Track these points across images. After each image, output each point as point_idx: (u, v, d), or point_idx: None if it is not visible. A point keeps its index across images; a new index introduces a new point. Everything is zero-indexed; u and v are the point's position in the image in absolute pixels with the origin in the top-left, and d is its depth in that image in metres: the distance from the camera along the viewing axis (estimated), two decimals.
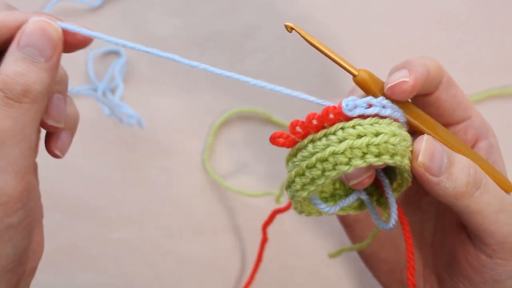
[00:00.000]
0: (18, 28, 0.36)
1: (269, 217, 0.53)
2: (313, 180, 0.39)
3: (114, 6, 0.68)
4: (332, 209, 0.42)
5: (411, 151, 0.39)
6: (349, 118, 0.39)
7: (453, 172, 0.39)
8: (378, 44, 0.66)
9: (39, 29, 0.36)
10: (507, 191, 0.44)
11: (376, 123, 0.38)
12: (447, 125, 0.46)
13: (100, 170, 0.66)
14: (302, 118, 0.40)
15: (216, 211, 0.65)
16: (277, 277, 0.64)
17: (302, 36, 0.40)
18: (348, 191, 0.44)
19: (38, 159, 0.65)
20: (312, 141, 0.39)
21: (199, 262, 0.64)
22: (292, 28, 0.40)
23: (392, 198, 0.41)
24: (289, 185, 0.41)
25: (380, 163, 0.38)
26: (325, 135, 0.39)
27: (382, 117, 0.39)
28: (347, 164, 0.38)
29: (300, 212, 0.43)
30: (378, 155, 0.38)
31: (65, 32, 0.37)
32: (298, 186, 0.40)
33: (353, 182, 0.41)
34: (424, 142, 0.39)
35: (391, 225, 0.41)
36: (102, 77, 0.67)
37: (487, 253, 0.42)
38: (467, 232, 0.44)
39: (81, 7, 0.68)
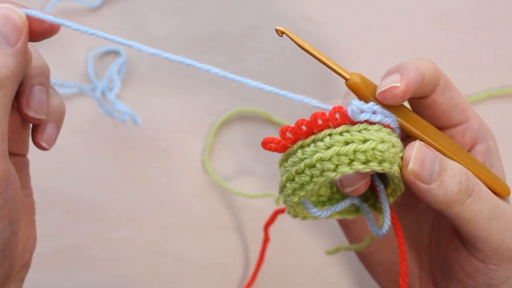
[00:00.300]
0: None
1: (270, 217, 0.54)
2: (302, 185, 0.39)
3: (114, 6, 0.68)
4: (323, 213, 0.42)
5: (401, 158, 0.39)
6: (338, 124, 0.39)
7: (444, 180, 0.39)
8: (378, 44, 0.66)
9: (3, 15, 0.36)
10: (504, 196, 0.43)
11: (365, 129, 0.38)
12: (444, 127, 0.45)
13: (100, 170, 0.66)
14: (303, 118, 0.40)
15: (216, 211, 0.65)
16: (277, 277, 0.64)
17: (293, 40, 0.40)
18: (345, 195, 0.44)
19: (38, 160, 0.65)
20: (301, 147, 0.40)
21: (199, 262, 0.64)
22: (282, 32, 0.40)
23: (386, 204, 0.41)
24: (281, 189, 0.41)
25: (367, 170, 0.38)
26: (314, 141, 0.39)
27: (371, 123, 0.39)
28: (334, 170, 0.38)
29: (295, 216, 0.43)
30: (366, 162, 0.38)
31: (32, 20, 0.37)
32: (289, 191, 0.40)
33: (348, 190, 0.41)
34: (415, 149, 0.39)
35: (384, 231, 0.41)
36: (102, 77, 0.67)
37: (480, 258, 0.42)
38: (461, 237, 0.44)
39: (81, 7, 0.68)
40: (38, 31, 0.38)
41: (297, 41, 0.40)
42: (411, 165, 0.38)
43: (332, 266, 0.64)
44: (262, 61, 0.67)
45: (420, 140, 0.41)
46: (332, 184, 0.44)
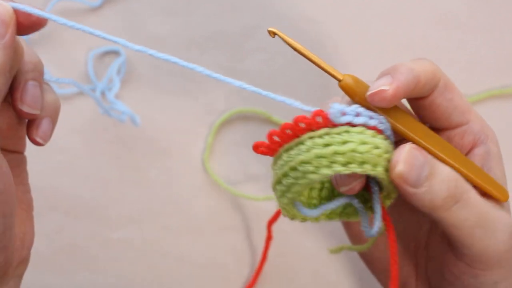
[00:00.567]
0: None
1: (274, 214, 0.54)
2: (289, 187, 0.40)
3: (114, 6, 0.68)
4: (314, 212, 0.43)
5: (388, 159, 0.39)
6: (320, 127, 0.39)
7: (431, 185, 0.38)
8: (378, 44, 0.66)
9: None
10: (501, 200, 0.43)
11: (346, 131, 0.38)
12: (442, 129, 0.45)
13: (100, 170, 0.66)
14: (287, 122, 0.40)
15: (217, 211, 0.65)
16: (277, 277, 0.64)
17: (285, 41, 0.40)
18: (341, 195, 0.44)
19: (38, 160, 0.65)
20: (286, 150, 0.40)
21: (199, 262, 0.64)
22: (274, 33, 0.40)
23: (378, 205, 0.41)
24: (273, 192, 0.42)
25: (347, 172, 0.38)
26: (297, 144, 0.39)
27: (354, 125, 0.38)
28: (314, 172, 0.38)
29: (292, 218, 0.44)
30: (345, 164, 0.38)
31: (19, 13, 0.38)
32: (279, 193, 0.41)
33: (343, 189, 0.41)
34: (404, 153, 0.38)
35: (373, 232, 0.41)
36: (102, 77, 0.67)
37: (466, 262, 0.42)
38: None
39: (81, 7, 0.68)
40: (26, 24, 0.39)
41: (289, 42, 0.40)
42: (398, 168, 0.38)
43: (332, 266, 0.64)
44: (262, 61, 0.67)
45: (413, 142, 0.41)
46: (323, 186, 0.45)
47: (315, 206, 0.44)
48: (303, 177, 0.39)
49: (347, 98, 0.42)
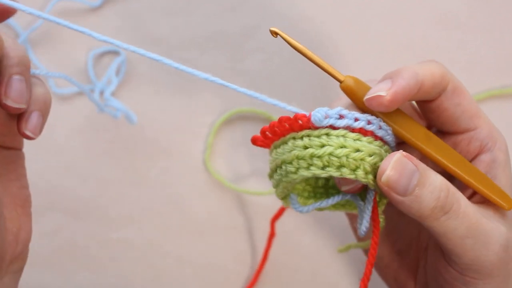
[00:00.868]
0: None
1: (278, 211, 0.54)
2: (278, 182, 0.41)
3: (114, 6, 0.68)
4: (305, 209, 0.43)
5: (375, 163, 0.38)
6: (301, 128, 0.40)
7: (420, 195, 0.38)
8: (378, 44, 0.66)
9: None
10: (506, 208, 0.42)
11: (325, 134, 0.38)
12: (449, 133, 0.44)
13: (100, 170, 0.66)
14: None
15: (216, 211, 0.65)
16: (277, 277, 0.64)
17: (287, 42, 0.40)
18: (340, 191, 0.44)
19: (38, 160, 0.65)
20: (275, 147, 0.41)
21: (199, 262, 0.64)
22: (276, 33, 0.40)
23: (369, 206, 0.41)
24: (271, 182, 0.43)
25: (325, 175, 0.38)
26: (282, 143, 0.40)
27: (335, 128, 0.39)
28: (295, 173, 0.39)
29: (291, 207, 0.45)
30: (323, 167, 0.38)
31: None
32: (273, 185, 0.42)
33: (345, 188, 0.41)
34: (393, 161, 0.38)
35: (361, 231, 0.41)
36: (102, 77, 0.67)
37: (457, 269, 0.42)
38: None
39: (81, 7, 0.68)
40: None
41: (291, 43, 0.40)
42: (384, 176, 0.38)
43: (332, 266, 0.64)
44: (262, 61, 0.67)
45: (414, 146, 0.41)
46: (318, 179, 0.45)
47: (309, 194, 0.45)
48: (286, 175, 0.40)
49: (348, 99, 0.42)
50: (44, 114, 0.43)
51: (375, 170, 0.39)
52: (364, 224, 0.41)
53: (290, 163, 0.39)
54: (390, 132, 0.40)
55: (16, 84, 0.40)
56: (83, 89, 0.50)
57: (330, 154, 0.38)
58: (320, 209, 0.44)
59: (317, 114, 0.38)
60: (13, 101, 0.40)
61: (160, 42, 0.67)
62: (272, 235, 0.59)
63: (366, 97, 0.39)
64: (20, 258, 0.44)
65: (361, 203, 0.43)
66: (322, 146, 0.38)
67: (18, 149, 0.45)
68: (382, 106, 0.39)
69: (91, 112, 0.66)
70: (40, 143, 0.65)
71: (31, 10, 0.39)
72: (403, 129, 0.41)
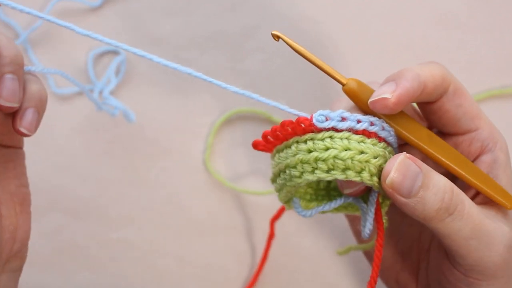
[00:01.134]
0: None
1: (278, 211, 0.54)
2: (282, 186, 0.41)
3: (114, 6, 0.68)
4: (307, 213, 0.43)
5: (380, 165, 0.38)
6: (304, 131, 0.39)
7: (424, 196, 0.38)
8: (378, 44, 0.66)
9: None
10: (507, 208, 0.42)
11: (329, 137, 0.38)
12: (450, 135, 0.44)
13: (100, 170, 0.66)
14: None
15: (216, 211, 0.65)
16: (277, 278, 0.64)
17: (289, 45, 0.40)
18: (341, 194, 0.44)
19: (38, 160, 0.65)
20: (278, 151, 0.41)
21: (199, 262, 0.64)
22: (278, 37, 0.40)
23: (372, 208, 0.41)
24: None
25: (330, 178, 0.38)
26: (285, 147, 0.40)
27: (338, 130, 0.39)
28: (299, 177, 0.39)
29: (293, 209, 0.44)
30: (328, 170, 0.38)
31: None
32: (276, 189, 0.42)
33: (347, 191, 0.41)
34: (397, 163, 0.38)
35: (365, 233, 0.41)
36: (102, 76, 0.67)
37: (461, 271, 0.42)
38: None
39: (81, 7, 0.68)
40: None
41: (293, 46, 0.40)
42: (389, 178, 0.38)
43: (332, 267, 0.64)
44: (262, 61, 0.67)
45: (417, 147, 0.41)
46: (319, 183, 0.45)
47: (311, 196, 0.44)
48: (290, 180, 0.39)
49: (350, 102, 0.42)
50: (40, 110, 0.43)
51: (379, 172, 0.39)
52: (368, 227, 0.40)
53: (294, 167, 0.39)
54: (392, 133, 0.40)
55: (8, 83, 0.40)
56: (80, 86, 0.49)
57: (335, 157, 0.37)
58: (322, 212, 0.44)
59: (318, 117, 0.38)
60: (5, 100, 0.40)
61: (160, 42, 0.67)
62: (271, 235, 0.59)
63: (371, 99, 0.39)
64: (18, 256, 0.44)
65: (364, 205, 0.42)
66: (327, 149, 0.38)
67: (18, 147, 0.45)
68: (387, 109, 0.39)
69: (91, 112, 0.66)
70: (40, 143, 0.65)
71: (31, 11, 0.39)
72: (406, 130, 0.41)
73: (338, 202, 0.43)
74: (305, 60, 0.41)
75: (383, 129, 0.39)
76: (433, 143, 0.41)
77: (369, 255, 0.52)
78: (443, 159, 0.41)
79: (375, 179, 0.38)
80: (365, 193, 0.43)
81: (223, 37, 0.67)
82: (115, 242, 0.65)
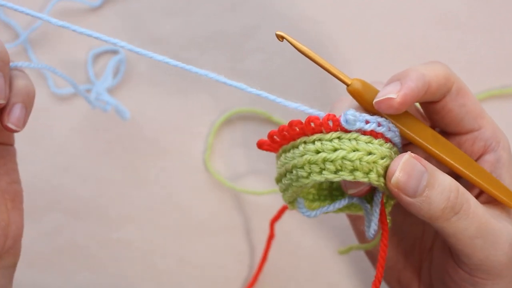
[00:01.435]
0: None
1: (278, 212, 0.54)
2: (287, 187, 0.41)
3: (114, 6, 0.68)
4: (312, 214, 0.43)
5: (386, 166, 0.38)
6: (314, 132, 0.39)
7: (429, 195, 0.38)
8: (378, 44, 0.66)
9: None
10: (511, 207, 0.43)
11: (337, 138, 0.38)
12: (453, 134, 0.45)
13: (100, 170, 0.66)
14: (302, 118, 0.40)
15: (216, 211, 0.65)
16: (277, 278, 0.64)
17: (293, 46, 0.40)
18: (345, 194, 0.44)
19: (38, 160, 0.65)
20: (284, 151, 0.41)
21: (199, 262, 0.64)
22: (283, 37, 0.40)
23: (376, 208, 0.41)
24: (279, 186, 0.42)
25: (338, 179, 0.38)
26: (292, 148, 0.40)
27: (347, 131, 0.38)
28: (306, 178, 0.38)
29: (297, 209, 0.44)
30: (336, 171, 0.38)
31: None
32: (281, 190, 0.42)
33: (351, 191, 0.41)
34: (401, 163, 0.38)
35: (369, 234, 0.41)
36: (101, 76, 0.67)
37: (466, 270, 0.42)
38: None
39: (81, 7, 0.68)
40: None
41: (298, 46, 0.40)
42: (394, 179, 0.38)
43: (332, 267, 0.64)
44: (262, 61, 0.67)
45: (421, 147, 0.41)
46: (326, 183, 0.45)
47: (313, 196, 0.44)
48: (297, 180, 0.39)
49: (354, 102, 0.42)
50: (28, 106, 0.42)
51: (386, 173, 0.39)
52: (373, 227, 0.40)
53: (302, 167, 0.38)
54: (398, 133, 0.40)
55: None
56: (71, 82, 0.49)
57: (343, 158, 0.37)
58: (325, 212, 0.44)
59: (351, 117, 0.38)
60: None
61: (160, 42, 0.67)
62: (271, 236, 0.59)
63: (376, 99, 0.39)
64: (11, 253, 0.43)
65: (367, 205, 0.42)
66: (335, 150, 0.38)
67: (8, 144, 0.45)
68: (392, 109, 0.39)
69: (91, 112, 0.66)
70: (40, 143, 0.65)
71: (30, 12, 0.39)
72: (411, 130, 0.41)
73: (343, 202, 0.43)
74: (305, 60, 0.41)
75: (390, 129, 0.39)
76: (438, 143, 0.41)
77: (370, 254, 0.52)
78: (449, 159, 0.41)
79: (382, 179, 0.38)
80: (368, 193, 0.43)
81: (223, 37, 0.67)
82: (115, 242, 0.65)
